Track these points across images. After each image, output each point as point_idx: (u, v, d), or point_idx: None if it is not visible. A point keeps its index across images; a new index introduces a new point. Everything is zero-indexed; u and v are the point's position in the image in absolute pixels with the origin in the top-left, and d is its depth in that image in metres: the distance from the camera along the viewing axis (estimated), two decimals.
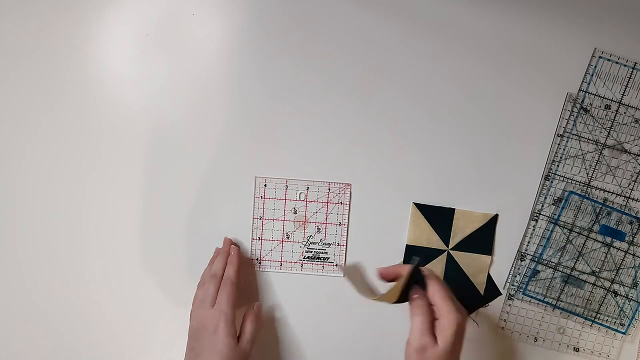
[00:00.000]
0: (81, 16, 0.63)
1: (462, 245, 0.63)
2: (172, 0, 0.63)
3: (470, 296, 0.64)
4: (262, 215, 0.63)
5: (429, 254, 0.63)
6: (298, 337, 0.65)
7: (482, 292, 0.64)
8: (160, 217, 0.64)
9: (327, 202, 0.63)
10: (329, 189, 0.63)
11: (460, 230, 0.63)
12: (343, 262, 0.63)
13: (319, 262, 0.64)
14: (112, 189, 0.64)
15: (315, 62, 0.62)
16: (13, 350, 0.66)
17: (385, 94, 0.63)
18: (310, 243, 0.64)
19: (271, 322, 0.65)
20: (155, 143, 0.64)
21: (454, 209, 0.63)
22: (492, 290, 0.64)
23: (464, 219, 0.63)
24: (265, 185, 0.63)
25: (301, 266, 0.64)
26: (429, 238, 0.63)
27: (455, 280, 0.63)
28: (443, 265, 0.63)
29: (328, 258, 0.64)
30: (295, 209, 0.63)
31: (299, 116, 0.63)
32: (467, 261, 0.63)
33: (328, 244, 0.64)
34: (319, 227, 0.64)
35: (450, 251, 0.63)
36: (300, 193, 0.63)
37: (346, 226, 0.64)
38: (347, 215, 0.63)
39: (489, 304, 0.64)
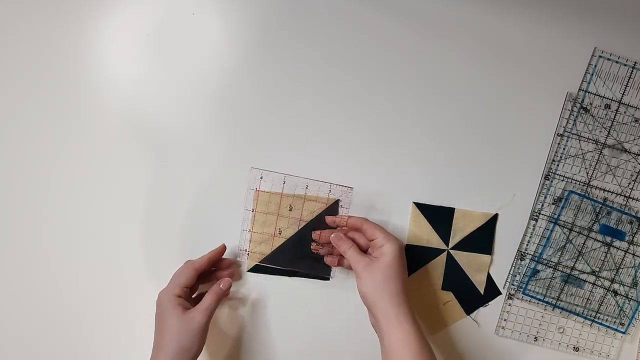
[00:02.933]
0: (80, 15, 0.63)
1: (462, 245, 0.63)
2: (172, 0, 0.63)
3: (470, 296, 0.64)
4: (254, 208, 0.63)
5: (429, 254, 0.63)
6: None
7: (482, 291, 0.64)
8: (160, 208, 0.64)
9: (326, 204, 0.63)
10: (330, 190, 0.63)
11: (460, 229, 0.63)
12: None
13: (308, 260, 0.63)
14: (113, 185, 0.64)
15: (316, 61, 0.62)
16: (14, 350, 0.66)
17: (385, 94, 0.63)
18: (297, 258, 0.63)
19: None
20: (155, 141, 0.64)
21: (454, 209, 0.63)
22: (492, 290, 0.64)
23: (464, 218, 0.63)
24: (261, 177, 0.62)
25: (289, 277, 0.64)
26: (429, 237, 0.63)
27: (455, 279, 0.63)
28: (443, 265, 0.64)
29: (315, 273, 0.63)
30: (292, 206, 0.63)
31: (299, 115, 0.63)
32: (467, 261, 0.63)
33: (315, 258, 0.63)
34: (315, 227, 0.62)
35: (450, 251, 0.64)
36: (298, 189, 0.62)
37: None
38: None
39: (489, 303, 0.64)
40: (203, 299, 0.58)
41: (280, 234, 0.63)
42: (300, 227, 0.63)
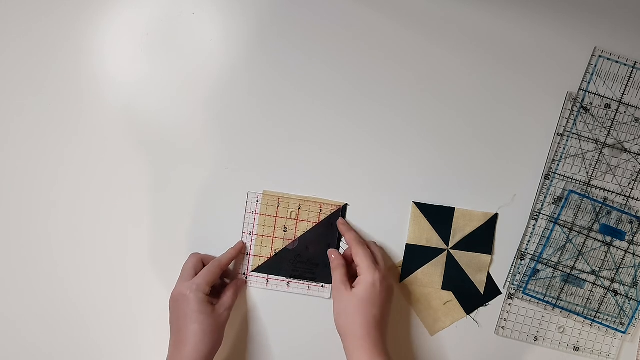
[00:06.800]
0: (81, 15, 0.63)
1: (462, 245, 0.63)
2: (172, 0, 0.63)
3: (470, 295, 0.64)
4: (252, 231, 0.64)
5: (429, 253, 0.63)
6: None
7: (482, 291, 0.64)
8: (163, 207, 0.64)
9: (318, 223, 0.63)
10: (321, 210, 0.63)
11: (461, 229, 0.63)
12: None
13: (305, 282, 0.64)
14: (110, 186, 0.64)
15: (315, 63, 0.63)
16: (22, 351, 0.66)
17: (385, 94, 0.63)
18: (298, 262, 0.64)
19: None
20: (154, 143, 0.64)
21: (454, 208, 0.63)
22: (492, 290, 0.64)
23: (464, 218, 0.63)
24: (257, 201, 0.63)
25: (287, 284, 0.64)
26: (429, 237, 0.63)
27: (455, 279, 0.63)
28: (443, 265, 0.63)
29: (315, 278, 0.64)
30: (286, 226, 0.63)
31: (299, 116, 0.63)
32: (467, 260, 0.63)
33: (316, 264, 0.64)
34: (308, 246, 0.64)
35: (450, 250, 0.63)
36: (292, 212, 0.63)
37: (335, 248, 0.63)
38: (336, 237, 0.63)
39: (489, 303, 0.64)
40: (226, 296, 0.59)
41: (276, 255, 0.64)
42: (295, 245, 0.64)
